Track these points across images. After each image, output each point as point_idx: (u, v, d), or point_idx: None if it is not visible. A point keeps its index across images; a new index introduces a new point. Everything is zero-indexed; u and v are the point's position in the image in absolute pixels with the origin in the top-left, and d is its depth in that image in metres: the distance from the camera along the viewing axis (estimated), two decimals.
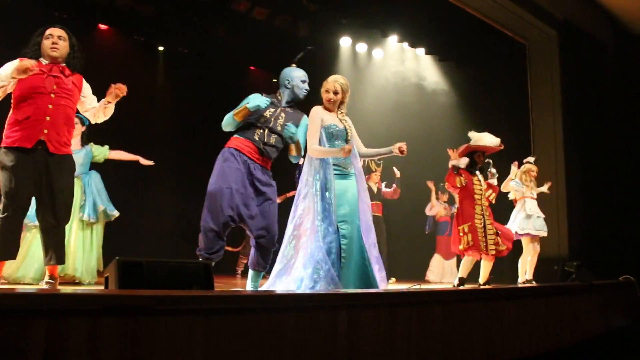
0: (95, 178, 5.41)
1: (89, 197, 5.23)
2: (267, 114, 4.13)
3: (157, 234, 8.90)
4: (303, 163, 4.33)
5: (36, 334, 1.78)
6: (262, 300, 2.30)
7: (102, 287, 4.20)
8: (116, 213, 5.38)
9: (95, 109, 3.80)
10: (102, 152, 5.47)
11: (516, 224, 6.31)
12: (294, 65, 4.41)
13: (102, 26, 8.93)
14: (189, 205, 9.01)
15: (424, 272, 9.03)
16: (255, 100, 4.06)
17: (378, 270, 4.13)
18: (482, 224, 5.51)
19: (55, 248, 3.59)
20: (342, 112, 4.28)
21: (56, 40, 3.60)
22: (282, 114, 4.19)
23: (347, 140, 4.21)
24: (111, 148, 5.59)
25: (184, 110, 9.35)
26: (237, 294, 2.21)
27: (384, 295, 2.98)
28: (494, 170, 5.87)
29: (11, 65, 3.49)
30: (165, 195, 9.08)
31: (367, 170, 7.80)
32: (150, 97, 8.55)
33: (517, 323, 3.90)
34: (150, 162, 5.69)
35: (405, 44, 9.47)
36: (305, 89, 4.30)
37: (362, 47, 9.86)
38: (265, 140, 4.06)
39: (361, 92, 9.58)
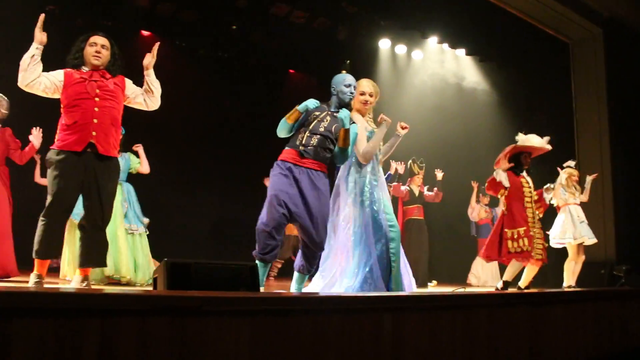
0: (130, 188, 5.55)
1: (131, 207, 5.37)
2: (313, 117, 4.10)
3: (198, 236, 9.03)
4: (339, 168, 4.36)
5: (90, 333, 1.83)
6: (307, 302, 2.31)
7: (147, 288, 4.30)
8: (142, 229, 5.49)
9: (143, 93, 3.84)
10: (137, 164, 5.61)
11: (559, 231, 6.18)
12: (344, 71, 4.42)
13: (145, 32, 9.11)
14: (230, 208, 9.19)
15: (465, 275, 8.93)
16: (306, 102, 4.08)
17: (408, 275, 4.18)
18: (535, 229, 5.38)
19: (97, 250, 3.66)
20: (371, 118, 4.30)
21: (99, 49, 3.68)
22: (328, 117, 4.14)
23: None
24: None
25: (224, 115, 9.46)
26: (283, 296, 2.22)
27: (428, 298, 2.96)
28: (551, 186, 5.77)
29: (57, 73, 3.60)
30: (207, 198, 9.20)
31: (410, 173, 7.75)
32: (191, 102, 8.66)
33: (564, 328, 3.82)
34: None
35: (445, 45, 9.40)
36: (350, 93, 4.23)
37: (401, 49, 9.82)
38: (304, 142, 4.00)
39: (401, 94, 9.55)
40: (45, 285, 3.59)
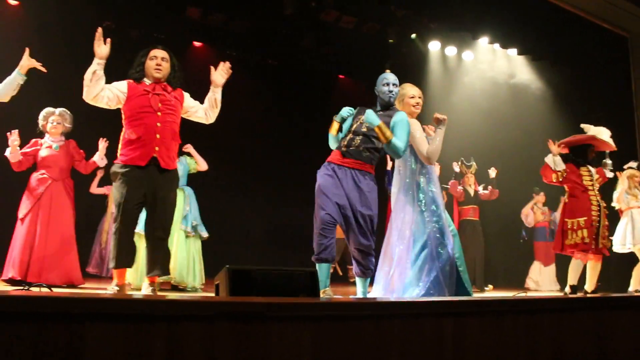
0: (190, 192, 5.67)
1: (191, 211, 5.48)
2: (357, 120, 4.15)
3: (255, 240, 9.17)
4: (392, 170, 4.34)
5: (157, 338, 1.87)
6: (368, 307, 2.31)
7: (207, 294, 4.38)
8: (205, 234, 5.58)
9: (204, 107, 3.97)
10: (191, 165, 5.74)
11: (621, 236, 5.96)
12: (387, 71, 4.42)
13: (197, 43, 9.32)
14: (285, 212, 9.28)
15: (521, 280, 8.72)
16: (340, 112, 4.11)
17: None
18: (598, 220, 5.20)
19: (162, 259, 3.78)
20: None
21: (160, 62, 3.81)
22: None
23: None
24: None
25: (276, 121, 9.57)
26: (344, 301, 2.22)
27: (490, 303, 2.90)
28: (609, 162, 5.57)
29: (120, 84, 3.71)
30: (263, 202, 9.33)
31: (459, 175, 7.65)
32: (244, 110, 8.79)
33: (634, 334, 3.68)
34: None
35: (497, 45, 9.23)
36: (389, 91, 4.21)
37: (451, 51, 9.70)
38: (347, 143, 4.04)
39: (452, 96, 9.43)
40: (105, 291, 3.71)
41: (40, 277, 4.76)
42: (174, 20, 8.57)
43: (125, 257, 3.72)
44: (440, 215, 4.05)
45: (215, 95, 3.97)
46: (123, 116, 3.79)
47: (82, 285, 5.09)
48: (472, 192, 7.58)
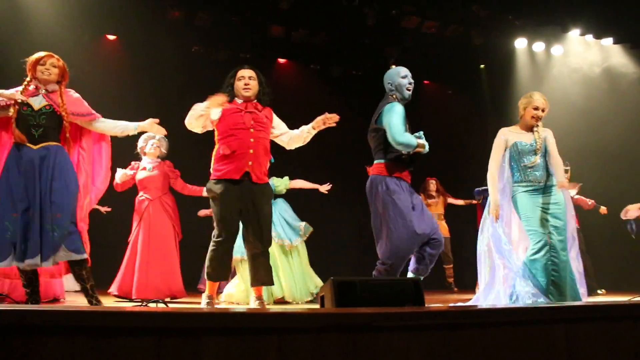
0: (282, 205, 5.78)
1: (278, 224, 5.53)
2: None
3: (341, 250, 9.22)
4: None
5: (269, 349, 1.93)
6: (476, 315, 2.26)
7: (313, 306, 4.44)
8: (310, 228, 5.67)
9: (292, 135, 4.07)
10: (283, 183, 5.82)
11: None
12: (393, 66, 4.37)
13: (281, 60, 9.53)
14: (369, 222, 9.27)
15: (631, 282, 8.20)
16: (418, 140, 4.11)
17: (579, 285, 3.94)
18: None
19: (264, 271, 3.86)
20: (537, 126, 4.18)
21: (247, 81, 3.93)
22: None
23: (536, 153, 4.11)
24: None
25: (363, 132, 9.57)
26: (451, 310, 2.19)
27: (604, 308, 2.76)
28: None
29: (201, 104, 3.85)
30: (354, 213, 9.38)
31: None
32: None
33: None
34: (328, 187, 5.90)
35: (589, 36, 8.80)
36: (409, 83, 4.22)
37: (539, 46, 9.34)
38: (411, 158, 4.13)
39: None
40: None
41: (146, 292, 4.99)
42: (258, 40, 8.80)
43: (222, 271, 3.84)
44: (530, 219, 3.95)
45: (309, 134, 4.06)
46: (216, 134, 3.93)
47: (183, 299, 5.30)
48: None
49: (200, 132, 3.98)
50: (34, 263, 3.32)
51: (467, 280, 8.09)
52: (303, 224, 5.65)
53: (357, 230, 9.47)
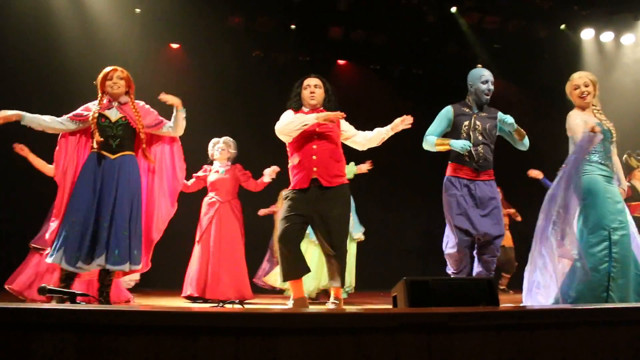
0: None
1: None
2: (463, 131, 4.15)
3: (403, 251, 9.17)
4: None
5: (345, 350, 1.94)
6: (552, 315, 2.21)
7: (383, 306, 4.45)
8: (361, 236, 5.67)
9: (368, 136, 4.11)
10: (351, 170, 5.77)
11: None
12: (479, 66, 4.26)
13: (340, 62, 9.55)
14: (433, 223, 9.18)
15: None
16: (457, 143, 4.10)
17: None
18: None
19: (337, 272, 3.89)
20: (598, 111, 3.96)
21: (313, 90, 3.99)
22: (477, 122, 4.16)
23: (611, 143, 3.89)
24: (367, 174, 5.92)
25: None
26: (528, 310, 2.15)
27: None
28: None
29: (306, 117, 3.88)
30: (415, 212, 9.32)
31: (627, 169, 7.03)
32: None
33: None
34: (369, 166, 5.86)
35: None
36: (488, 90, 4.13)
37: (608, 36, 8.99)
38: (476, 158, 4.09)
39: (614, 85, 8.72)
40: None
41: (216, 293, 5.15)
42: (317, 42, 8.88)
43: (294, 270, 3.88)
44: (594, 209, 3.73)
45: (387, 134, 4.10)
46: (287, 144, 4.03)
47: (252, 301, 5.40)
48: None
49: (287, 142, 4.03)
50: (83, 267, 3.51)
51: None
52: (357, 233, 5.69)
53: (420, 233, 9.41)
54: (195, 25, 8.11)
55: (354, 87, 9.20)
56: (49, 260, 3.55)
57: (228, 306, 3.14)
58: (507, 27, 8.57)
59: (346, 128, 4.12)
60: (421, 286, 2.26)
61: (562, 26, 8.80)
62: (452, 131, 4.24)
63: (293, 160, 3.94)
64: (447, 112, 4.29)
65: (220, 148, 5.66)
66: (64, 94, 6.87)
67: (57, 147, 3.81)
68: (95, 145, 3.71)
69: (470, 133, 4.14)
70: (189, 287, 5.32)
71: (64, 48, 7.34)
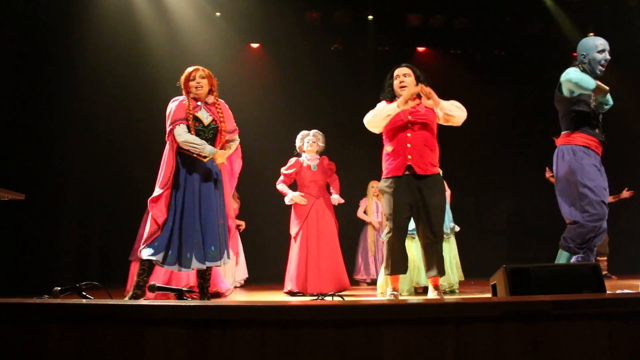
0: None
1: None
2: (593, 100, 3.86)
3: (494, 235, 8.99)
4: None
5: (448, 339, 1.94)
6: None
7: (464, 295, 4.39)
8: (457, 228, 5.59)
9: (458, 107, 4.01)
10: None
11: None
12: (592, 34, 3.98)
13: (420, 48, 9.42)
14: (525, 206, 8.96)
15: None
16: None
17: None
18: None
19: (436, 261, 3.89)
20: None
21: (403, 79, 4.01)
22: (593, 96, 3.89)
23: None
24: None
25: (510, 114, 9.28)
26: (637, 296, 2.05)
27: None
28: None
29: (389, 105, 3.93)
30: (502, 197, 9.14)
31: None
32: (476, 106, 8.60)
33: None
34: None
35: None
36: (605, 60, 3.81)
37: None
38: (604, 131, 3.89)
39: None
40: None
41: (319, 287, 5.21)
42: (396, 31, 8.80)
43: (399, 265, 3.91)
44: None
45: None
46: (383, 135, 4.06)
47: (349, 292, 5.45)
48: None
49: (377, 132, 4.07)
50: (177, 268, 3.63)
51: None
52: (452, 225, 5.58)
53: (510, 220, 9.20)
54: (274, 23, 8.28)
55: (435, 73, 9.03)
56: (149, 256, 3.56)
57: (328, 299, 3.18)
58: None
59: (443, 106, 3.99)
60: (522, 274, 2.22)
61: None
62: (584, 99, 3.87)
63: (387, 149, 3.98)
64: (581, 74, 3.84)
65: (310, 141, 5.66)
66: (148, 98, 7.23)
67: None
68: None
69: (593, 103, 3.88)
70: (290, 282, 5.43)
71: (147, 53, 7.69)
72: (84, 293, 2.59)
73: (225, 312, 1.98)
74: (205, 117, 3.83)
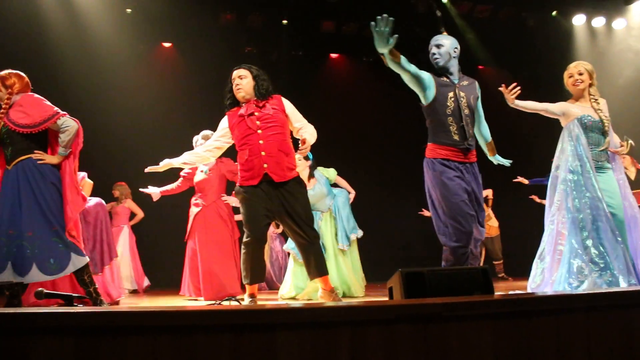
0: (340, 199, 5.52)
1: (340, 224, 5.39)
2: (450, 103, 3.69)
3: (405, 242, 9.21)
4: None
5: (342, 342, 1.96)
6: (548, 302, 2.23)
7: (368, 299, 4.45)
8: (360, 233, 5.51)
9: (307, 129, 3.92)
10: (331, 175, 5.60)
11: None
12: (444, 32, 4.21)
13: (333, 55, 9.56)
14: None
15: None
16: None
17: None
18: None
19: (314, 262, 3.83)
20: (595, 100, 3.99)
21: (238, 82, 3.92)
22: (461, 93, 3.73)
23: (604, 133, 3.91)
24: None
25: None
26: (524, 297, 2.17)
27: None
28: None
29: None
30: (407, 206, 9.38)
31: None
32: (381, 114, 8.80)
33: None
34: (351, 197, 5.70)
35: None
36: (432, 54, 4.00)
37: (599, 22, 8.99)
38: (466, 135, 3.64)
39: (607, 71, 8.72)
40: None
41: (211, 293, 5.01)
42: (309, 37, 8.88)
43: (259, 274, 3.86)
44: (594, 198, 3.75)
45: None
46: (235, 143, 3.95)
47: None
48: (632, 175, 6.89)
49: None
50: None
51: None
52: (354, 234, 5.45)
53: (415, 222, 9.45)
54: (187, 23, 8.12)
55: (348, 80, 9.21)
56: None
57: (225, 303, 3.15)
58: (498, 16, 8.59)
59: (291, 112, 3.93)
60: (416, 277, 2.28)
61: (554, 13, 8.82)
62: (437, 105, 3.81)
63: (240, 159, 3.85)
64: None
65: (198, 142, 5.27)
66: (56, 95, 6.87)
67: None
68: None
69: (457, 107, 3.82)
70: (184, 288, 5.36)
71: (54, 49, 7.33)
72: None
73: (115, 319, 1.91)
74: None
